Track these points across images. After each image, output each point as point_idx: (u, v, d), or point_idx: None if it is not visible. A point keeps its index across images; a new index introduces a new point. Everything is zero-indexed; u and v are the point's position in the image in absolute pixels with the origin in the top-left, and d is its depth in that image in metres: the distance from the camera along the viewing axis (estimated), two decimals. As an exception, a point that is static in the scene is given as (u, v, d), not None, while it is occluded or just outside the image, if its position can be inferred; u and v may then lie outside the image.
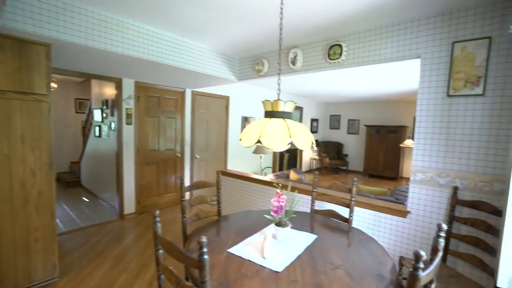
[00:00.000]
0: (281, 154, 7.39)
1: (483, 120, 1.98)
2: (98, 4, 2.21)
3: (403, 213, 2.30)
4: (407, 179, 7.72)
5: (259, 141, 1.43)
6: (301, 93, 7.17)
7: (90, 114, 5.54)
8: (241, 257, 1.42)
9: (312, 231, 1.83)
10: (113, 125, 4.33)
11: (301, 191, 3.05)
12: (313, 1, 2.07)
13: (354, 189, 2.22)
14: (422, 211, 2.23)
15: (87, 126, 5.79)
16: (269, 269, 1.31)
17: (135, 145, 4.13)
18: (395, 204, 2.41)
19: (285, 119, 1.52)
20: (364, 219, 2.55)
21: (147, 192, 4.38)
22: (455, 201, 2.03)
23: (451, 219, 2.04)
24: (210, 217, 2.31)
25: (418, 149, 2.26)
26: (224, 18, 2.42)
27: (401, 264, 2.06)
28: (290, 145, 1.42)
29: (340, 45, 2.66)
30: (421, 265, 0.87)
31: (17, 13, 1.91)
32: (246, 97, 5.96)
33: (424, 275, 0.89)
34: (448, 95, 2.11)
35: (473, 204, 1.96)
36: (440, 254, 1.09)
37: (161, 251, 1.31)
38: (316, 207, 2.64)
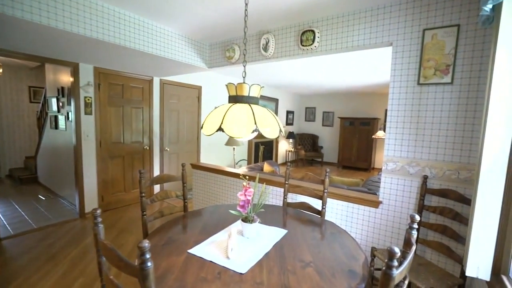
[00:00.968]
0: (257, 146, 7.28)
1: (451, 108, 1.98)
2: (36, -29, 1.89)
3: (375, 204, 2.28)
4: (379, 169, 7.99)
5: (221, 129, 1.27)
6: (276, 84, 7.07)
7: (45, 103, 5.01)
8: (202, 258, 1.27)
9: (283, 226, 1.73)
10: (70, 115, 3.93)
11: (274, 183, 2.95)
12: (284, -21, 1.92)
13: (327, 181, 2.15)
14: (393, 201, 2.22)
15: (42, 117, 5.25)
16: (233, 270, 1.17)
17: (96, 137, 3.79)
18: (368, 195, 2.38)
19: (251, 105, 1.37)
20: (337, 210, 2.51)
21: (112, 188, 4.06)
22: (424, 190, 2.03)
23: (421, 208, 2.04)
24: (176, 213, 2.13)
25: (389, 139, 2.24)
26: (188, -5, 2.19)
27: (373, 255, 2.03)
28: (255, 132, 1.28)
29: (313, 31, 2.55)
30: (395, 263, 0.78)
31: None
32: (219, 87, 5.73)
33: (398, 273, 0.80)
34: (419, 84, 2.09)
35: (441, 193, 1.96)
36: (414, 247, 1.02)
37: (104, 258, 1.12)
38: (289, 200, 2.55)
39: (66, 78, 4.04)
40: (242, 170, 3.83)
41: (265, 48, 2.91)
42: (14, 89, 6.06)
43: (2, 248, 2.91)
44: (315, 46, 2.57)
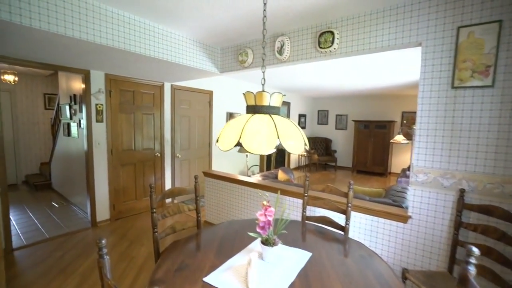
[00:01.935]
0: (269, 151, 7.13)
1: (492, 114, 1.77)
2: (45, -23, 1.83)
3: (404, 218, 2.08)
4: (397, 174, 7.68)
5: (239, 143, 1.14)
6: (288, 87, 6.91)
7: (58, 110, 5.04)
8: (219, 289, 1.13)
9: (305, 247, 1.57)
10: (82, 122, 3.90)
11: (290, 194, 2.79)
12: (303, -23, 1.78)
13: (351, 194, 1.97)
14: (424, 216, 2.02)
15: (56, 124, 5.28)
16: (254, 307, 1.03)
17: (107, 144, 3.73)
18: (395, 208, 2.19)
19: (271, 115, 1.23)
20: (360, 224, 2.33)
21: (123, 196, 4.00)
22: (461, 205, 1.82)
23: (458, 225, 1.83)
24: (188, 228, 2.00)
25: (419, 147, 2.04)
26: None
27: (404, 277, 1.84)
28: (278, 147, 1.13)
29: (331, 32, 2.39)
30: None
31: None
32: (231, 91, 5.62)
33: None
34: (453, 87, 1.89)
35: (482, 209, 1.75)
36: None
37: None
38: (307, 212, 2.38)
39: (78, 85, 4.03)
40: (256, 178, 3.68)
41: (280, 52, 2.77)
42: (30, 97, 6.15)
43: (14, 259, 2.87)
44: (334, 48, 2.40)
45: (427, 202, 2.01)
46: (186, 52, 2.99)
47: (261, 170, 6.74)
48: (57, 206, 4.55)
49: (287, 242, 1.58)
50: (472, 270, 0.89)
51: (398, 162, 7.92)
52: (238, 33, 2.89)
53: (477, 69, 1.80)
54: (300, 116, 8.89)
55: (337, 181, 7.20)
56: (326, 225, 2.05)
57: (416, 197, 2.05)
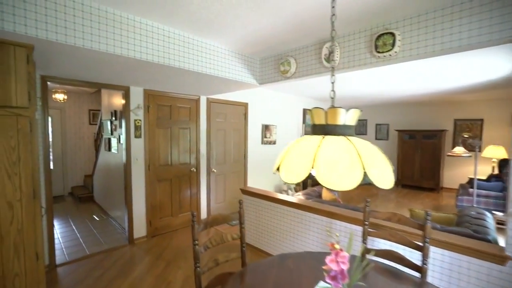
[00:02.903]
0: (305, 164, 6.76)
1: None
2: (88, -6, 1.78)
3: (500, 259, 1.64)
4: (451, 190, 6.84)
5: (310, 176, 0.88)
6: (321, 96, 6.54)
7: (101, 126, 5.23)
8: None
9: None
10: (121, 138, 3.94)
11: (343, 218, 2.45)
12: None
13: (429, 226, 1.60)
14: (532, 258, 1.57)
15: (98, 139, 5.49)
16: None
17: (145, 160, 3.70)
18: (486, 245, 1.75)
19: (348, 137, 0.96)
20: (435, 261, 1.91)
21: (160, 212, 3.92)
22: None
23: None
24: (231, 260, 1.77)
25: (519, 169, 1.61)
26: (244, 6, 1.91)
27: None
28: (365, 181, 0.85)
29: (391, 34, 2.07)
30: None
31: (-16, 6, 1.50)
32: (266, 103, 5.43)
33: None
34: None
35: None
36: None
37: None
38: (368, 243, 2.03)
39: (118, 102, 4.11)
40: (298, 197, 3.38)
41: (328, 59, 2.50)
42: (77, 113, 6.54)
43: (57, 276, 2.86)
44: (395, 52, 2.08)
45: (535, 240, 1.56)
46: (224, 64, 2.84)
47: (297, 185, 6.39)
48: (97, 219, 4.63)
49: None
50: None
51: (452, 176, 7.06)
52: (279, 41, 2.69)
53: None
54: (337, 126, 8.41)
55: (380, 196, 6.57)
56: (393, 261, 1.69)
57: (517, 233, 1.61)
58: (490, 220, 2.41)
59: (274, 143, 5.67)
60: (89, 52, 1.98)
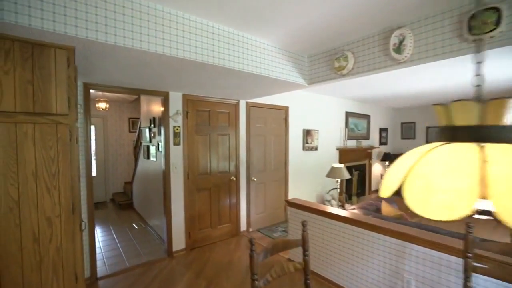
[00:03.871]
0: (349, 171, 6.21)
1: None
2: (130, -14, 1.60)
3: None
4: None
5: (399, 191, 0.51)
6: (364, 97, 5.97)
7: (140, 133, 5.24)
8: None
9: None
10: (160, 145, 3.83)
11: (427, 244, 1.98)
12: None
13: None
14: None
15: (138, 146, 5.52)
16: None
17: (184, 168, 3.53)
18: None
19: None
20: None
21: (199, 223, 3.71)
22: None
23: None
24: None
25: None
26: (304, -15, 1.60)
27: None
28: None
29: (496, 9, 1.61)
30: None
31: (23, 3, 1.37)
32: (306, 106, 5.06)
33: None
34: None
35: None
36: None
37: None
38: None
39: (157, 108, 4.03)
40: (351, 211, 2.94)
41: (398, 50, 2.08)
42: (118, 121, 6.73)
43: (98, 289, 2.75)
44: (501, 32, 1.61)
45: None
46: (271, 62, 2.55)
47: (340, 194, 5.86)
48: (136, 228, 4.57)
49: None
50: None
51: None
52: (335, 33, 2.33)
53: None
54: (381, 130, 7.72)
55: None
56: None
57: None
58: None
59: (316, 149, 5.25)
60: (129, 52, 1.81)
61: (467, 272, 1.44)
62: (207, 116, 3.74)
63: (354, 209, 3.05)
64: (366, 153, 6.85)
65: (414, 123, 8.06)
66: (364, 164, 6.86)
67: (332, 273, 2.68)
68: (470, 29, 1.71)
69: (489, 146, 0.59)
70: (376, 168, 7.48)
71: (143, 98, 4.92)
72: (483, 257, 1.63)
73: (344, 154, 6.04)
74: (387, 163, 7.40)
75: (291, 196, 4.79)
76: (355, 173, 6.05)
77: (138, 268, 3.17)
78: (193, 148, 3.61)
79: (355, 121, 6.54)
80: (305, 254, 1.49)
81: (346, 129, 6.17)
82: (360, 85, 4.48)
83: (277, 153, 4.57)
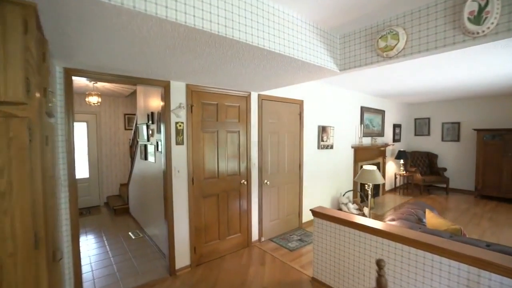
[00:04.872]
0: (364, 171, 5.72)
1: None
2: None
3: None
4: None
5: None
6: (378, 92, 5.48)
7: (136, 131, 4.70)
8: None
9: None
10: (160, 145, 3.31)
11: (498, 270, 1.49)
12: None
13: None
14: None
15: (134, 145, 4.97)
16: None
17: (188, 172, 3.01)
18: None
19: None
20: None
21: (205, 235, 3.20)
22: None
23: None
24: None
25: None
26: None
27: None
28: None
29: None
30: None
31: None
32: (322, 100, 4.55)
33: None
34: None
35: None
36: None
37: None
38: None
39: (156, 102, 3.49)
40: (386, 222, 2.44)
41: (476, 19, 1.57)
42: (112, 117, 6.16)
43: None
44: None
45: None
46: (299, 41, 2.02)
47: (354, 196, 5.38)
48: (133, 237, 4.05)
49: None
50: None
51: (556, 186, 5.57)
52: (380, 4, 1.81)
53: None
54: (395, 126, 7.23)
55: (456, 210, 5.30)
56: None
57: None
58: None
59: (331, 147, 4.75)
60: (119, 15, 1.28)
61: None
62: (214, 110, 3.21)
63: (393, 220, 2.56)
64: (380, 151, 6.38)
65: (428, 118, 7.59)
66: (378, 163, 6.38)
67: (373, 301, 2.19)
68: None
69: None
70: (390, 166, 7.00)
71: (139, 90, 4.37)
72: None
73: (359, 153, 5.56)
74: (401, 161, 6.92)
75: (305, 200, 4.29)
76: (372, 173, 5.54)
77: (135, 291, 2.67)
78: (199, 148, 3.09)
79: (370, 116, 6.05)
80: (384, 312, 0.99)
81: (361, 125, 5.67)
82: (380, 76, 3.98)
83: (291, 152, 4.06)
